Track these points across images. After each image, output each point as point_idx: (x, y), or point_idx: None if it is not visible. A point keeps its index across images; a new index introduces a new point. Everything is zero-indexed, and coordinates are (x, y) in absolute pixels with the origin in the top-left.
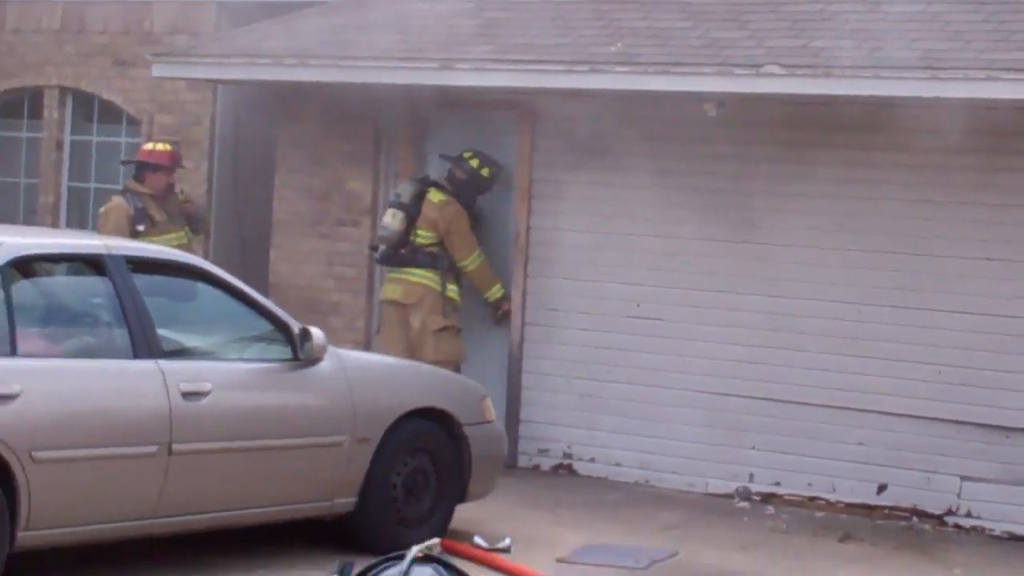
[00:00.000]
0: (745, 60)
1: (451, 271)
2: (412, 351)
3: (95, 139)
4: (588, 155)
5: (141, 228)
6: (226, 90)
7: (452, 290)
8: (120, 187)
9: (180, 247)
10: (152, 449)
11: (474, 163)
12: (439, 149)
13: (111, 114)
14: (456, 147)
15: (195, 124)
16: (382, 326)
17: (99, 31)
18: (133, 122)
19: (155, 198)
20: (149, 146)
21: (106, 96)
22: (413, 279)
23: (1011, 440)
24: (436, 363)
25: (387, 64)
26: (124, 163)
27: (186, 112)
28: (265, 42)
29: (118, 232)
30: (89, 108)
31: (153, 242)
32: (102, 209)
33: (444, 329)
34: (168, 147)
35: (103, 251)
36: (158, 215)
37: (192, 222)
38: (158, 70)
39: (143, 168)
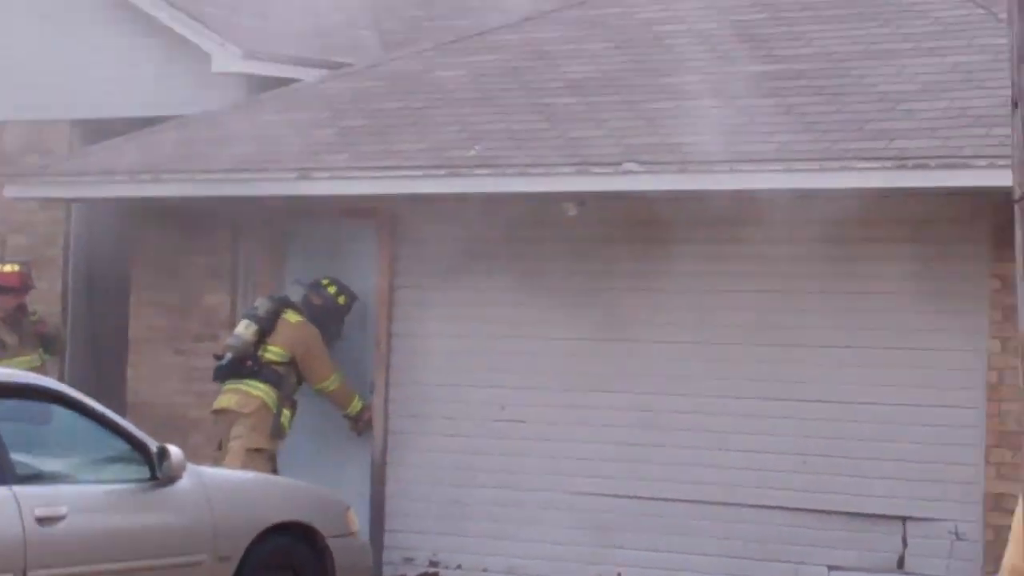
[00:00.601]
0: (603, 159)
1: (289, 398)
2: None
3: None
4: (450, 259)
5: None
6: (80, 208)
7: (285, 415)
8: None
9: (33, 370)
10: None
11: (331, 290)
12: (298, 259)
13: None
14: (315, 257)
15: (49, 243)
16: (222, 442)
17: None
18: None
19: (5, 321)
20: None
21: None
22: (253, 391)
23: (877, 527)
24: None
25: (243, 176)
26: None
27: (39, 232)
28: (120, 158)
29: None
30: None
31: (4, 366)
32: None
33: (259, 451)
34: (16, 268)
35: None
36: (8, 338)
37: (45, 343)
38: (11, 191)
39: None
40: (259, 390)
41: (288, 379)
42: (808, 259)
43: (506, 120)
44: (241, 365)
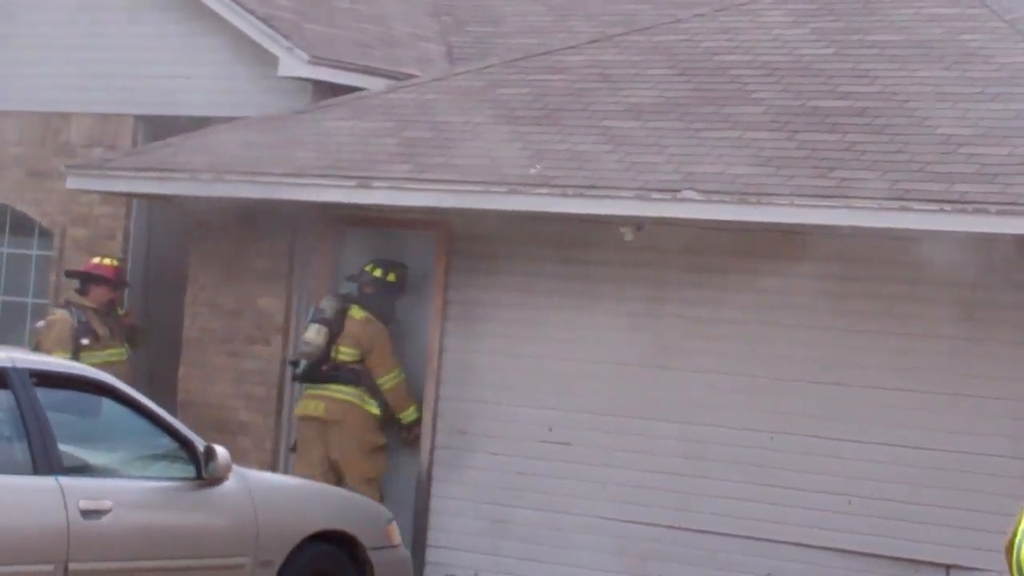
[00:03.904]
0: (663, 184)
1: (372, 387)
2: (335, 470)
3: (5, 251)
4: (505, 276)
5: (86, 341)
6: (140, 204)
7: (373, 405)
8: (32, 300)
9: (119, 363)
10: (48, 568)
11: (377, 273)
12: (354, 267)
13: (23, 226)
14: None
15: (108, 238)
16: (299, 445)
17: (15, 142)
18: (45, 234)
19: (97, 312)
20: (96, 260)
21: (19, 207)
22: (338, 396)
23: (920, 573)
24: (370, 481)
25: (304, 181)
26: (68, 274)
27: (99, 226)
28: (181, 156)
29: (60, 345)
30: (1, 219)
31: (95, 357)
32: (42, 322)
33: (379, 449)
34: (114, 262)
35: (7, 364)
36: (100, 330)
37: (132, 336)
38: (72, 182)
39: (87, 280)
40: (343, 393)
41: (364, 374)
42: (863, 297)
43: (567, 141)
44: (317, 370)
